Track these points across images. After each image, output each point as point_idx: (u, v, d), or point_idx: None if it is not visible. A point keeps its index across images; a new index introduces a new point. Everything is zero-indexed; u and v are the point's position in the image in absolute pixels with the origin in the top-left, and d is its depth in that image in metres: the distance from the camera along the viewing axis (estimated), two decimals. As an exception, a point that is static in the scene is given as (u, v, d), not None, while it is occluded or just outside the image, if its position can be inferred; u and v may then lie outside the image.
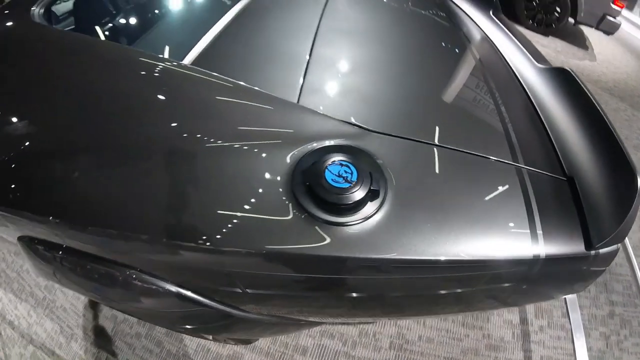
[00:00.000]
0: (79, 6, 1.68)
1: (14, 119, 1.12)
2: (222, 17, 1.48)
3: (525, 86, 1.38)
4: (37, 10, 1.48)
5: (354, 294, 0.89)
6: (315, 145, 0.91)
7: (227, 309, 0.97)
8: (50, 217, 0.93)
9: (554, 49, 4.93)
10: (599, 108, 1.13)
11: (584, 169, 1.01)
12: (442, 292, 0.94)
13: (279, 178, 0.85)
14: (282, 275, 0.85)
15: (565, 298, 1.77)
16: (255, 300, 0.96)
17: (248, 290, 0.91)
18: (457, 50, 1.64)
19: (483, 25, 1.81)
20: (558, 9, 5.16)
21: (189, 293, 0.93)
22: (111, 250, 0.96)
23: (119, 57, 1.22)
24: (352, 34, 1.54)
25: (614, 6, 4.90)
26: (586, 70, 4.56)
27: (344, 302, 0.93)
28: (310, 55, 1.28)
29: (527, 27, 5.22)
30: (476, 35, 1.77)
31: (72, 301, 2.06)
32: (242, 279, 0.87)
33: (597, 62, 5.05)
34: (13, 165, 1.03)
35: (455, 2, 2.07)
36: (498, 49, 1.62)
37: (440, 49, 1.66)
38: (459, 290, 0.94)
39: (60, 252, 1.05)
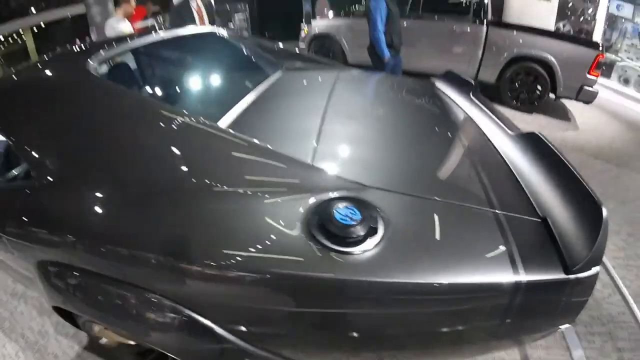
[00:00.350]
0: (124, 66, 1.89)
1: (62, 146, 1.38)
2: (247, 96, 1.84)
3: (499, 150, 1.57)
4: (92, 63, 1.73)
5: (355, 319, 1.02)
6: (327, 195, 1.10)
7: (250, 347, 1.09)
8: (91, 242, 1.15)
9: (538, 124, 5.29)
10: (562, 158, 1.29)
11: (555, 209, 1.14)
12: (433, 320, 1.04)
13: (298, 218, 1.03)
14: (298, 299, 1.00)
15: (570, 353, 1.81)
16: (271, 332, 1.10)
17: (265, 322, 1.06)
18: (441, 124, 1.93)
19: (463, 105, 2.08)
20: (539, 87, 5.62)
21: (209, 323, 1.07)
22: (136, 274, 1.13)
23: (166, 116, 1.43)
24: (352, 115, 1.88)
25: (589, 76, 5.29)
26: (571, 140, 4.89)
27: (346, 329, 1.05)
28: (320, 130, 1.56)
29: (512, 107, 5.65)
30: (458, 113, 2.04)
31: (65, 349, 2.03)
32: (265, 305, 1.02)
33: (580, 130, 5.38)
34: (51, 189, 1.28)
35: (440, 87, 2.40)
36: (476, 122, 1.86)
37: (427, 123, 1.96)
38: (448, 320, 1.04)
39: (83, 276, 1.23)
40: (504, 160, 1.50)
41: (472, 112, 1.98)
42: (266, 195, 1.11)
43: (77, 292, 1.29)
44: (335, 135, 1.62)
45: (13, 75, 1.85)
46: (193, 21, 4.72)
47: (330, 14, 8.12)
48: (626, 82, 8.54)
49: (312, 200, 1.07)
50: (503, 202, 1.21)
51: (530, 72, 5.67)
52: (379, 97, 2.38)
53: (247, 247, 1.00)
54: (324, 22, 7.74)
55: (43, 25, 37.76)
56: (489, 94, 2.23)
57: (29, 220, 1.39)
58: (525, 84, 5.74)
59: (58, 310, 1.47)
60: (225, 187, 1.13)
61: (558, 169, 1.28)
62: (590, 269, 1.00)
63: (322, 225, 0.99)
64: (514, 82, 5.80)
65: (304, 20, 5.61)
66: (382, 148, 1.61)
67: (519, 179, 1.35)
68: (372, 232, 0.99)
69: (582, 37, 7.55)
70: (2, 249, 1.67)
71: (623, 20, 8.69)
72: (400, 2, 6.83)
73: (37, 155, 1.41)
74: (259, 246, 1.00)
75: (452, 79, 2.42)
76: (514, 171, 1.41)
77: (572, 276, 0.99)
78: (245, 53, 2.66)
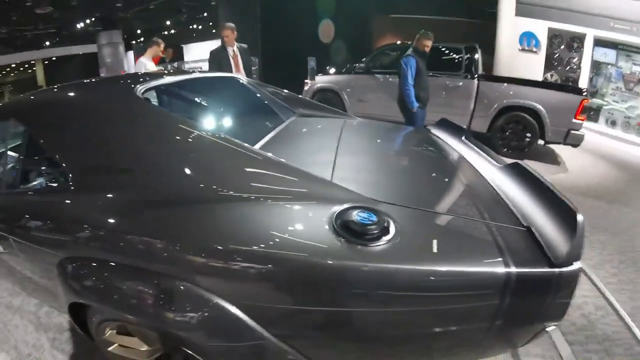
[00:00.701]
0: (162, 97, 2.08)
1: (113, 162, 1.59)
2: (267, 135, 2.12)
3: (487, 177, 1.79)
4: (140, 88, 1.95)
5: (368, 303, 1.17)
6: (348, 204, 1.29)
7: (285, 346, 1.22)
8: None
9: (529, 169, 5.62)
10: (541, 179, 1.48)
11: (537, 219, 1.30)
12: (436, 310, 1.18)
13: (327, 220, 1.23)
14: (325, 285, 1.15)
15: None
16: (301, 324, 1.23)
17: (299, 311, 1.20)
18: (437, 158, 2.23)
19: (455, 145, 2.33)
20: (528, 134, 5.94)
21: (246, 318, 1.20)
22: (166, 264, 1.27)
23: (207, 136, 1.66)
24: (361, 151, 2.21)
25: (576, 121, 5.62)
26: (560, 182, 5.08)
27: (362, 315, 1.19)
28: (334, 161, 1.81)
29: (504, 155, 5.90)
30: (450, 150, 2.29)
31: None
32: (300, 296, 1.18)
33: (570, 172, 5.67)
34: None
35: (435, 132, 2.64)
36: (466, 158, 2.09)
37: (425, 158, 2.29)
38: (448, 310, 1.18)
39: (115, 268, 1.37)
40: (491, 185, 1.69)
41: (463, 150, 2.22)
42: (301, 203, 1.34)
43: (102, 284, 1.40)
44: (349, 165, 1.89)
45: (59, 91, 2.10)
46: (229, 67, 5.08)
47: (332, 70, 8.75)
48: (613, 124, 8.93)
49: (337, 207, 1.27)
50: (492, 216, 1.40)
51: (519, 121, 6.00)
52: (383, 138, 2.68)
53: (283, 241, 1.20)
54: (326, 78, 8.37)
55: (54, 59, 38.59)
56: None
57: (61, 221, 1.57)
58: (515, 132, 6.05)
59: (72, 312, 1.58)
60: (267, 196, 1.36)
61: (538, 187, 1.46)
62: (571, 264, 1.13)
63: (346, 225, 1.19)
64: (505, 131, 6.13)
65: (308, 75, 6.14)
66: (389, 175, 1.91)
67: (505, 198, 1.54)
68: (385, 231, 1.19)
69: (567, 85, 8.16)
70: (12, 253, 1.86)
71: (609, 66, 9.11)
72: (397, 60, 7.43)
73: (85, 163, 1.64)
74: (294, 239, 1.21)
75: (446, 125, 2.67)
76: (499, 192, 1.60)
77: (556, 269, 1.12)
78: (262, 97, 2.90)
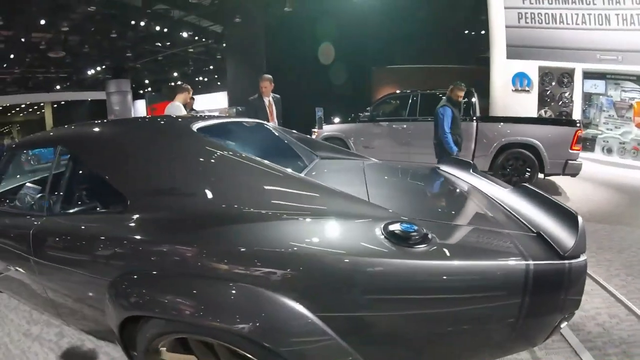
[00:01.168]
0: (210, 132, 2.23)
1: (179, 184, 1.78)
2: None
3: (497, 198, 1.98)
4: (194, 126, 2.15)
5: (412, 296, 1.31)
6: (394, 219, 1.46)
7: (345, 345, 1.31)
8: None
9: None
10: (545, 195, 1.70)
11: (545, 226, 1.49)
12: (469, 303, 1.31)
13: (378, 230, 1.40)
14: (380, 281, 1.29)
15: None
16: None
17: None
18: (450, 187, 2.46)
19: (465, 177, 2.53)
20: (528, 169, 6.21)
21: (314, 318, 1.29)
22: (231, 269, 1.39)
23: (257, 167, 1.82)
24: (387, 183, 2.50)
25: (572, 151, 5.91)
26: None
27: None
28: (367, 191, 2.01)
29: None
30: (460, 181, 2.49)
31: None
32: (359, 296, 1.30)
33: (571, 200, 5.87)
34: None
35: (443, 168, 2.84)
36: (476, 186, 2.30)
37: (441, 185, 2.54)
38: (477, 303, 1.32)
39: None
40: (502, 204, 1.89)
41: (473, 180, 2.42)
42: (357, 220, 1.53)
43: (169, 295, 1.48)
44: (380, 193, 2.12)
45: (120, 124, 2.35)
46: (265, 116, 5.30)
47: (336, 119, 9.38)
48: (609, 151, 9.28)
49: (384, 221, 1.45)
50: (506, 226, 1.59)
51: (519, 157, 6.29)
52: (403, 172, 2.93)
53: (347, 247, 1.39)
54: (332, 127, 8.93)
55: (63, 103, 38.67)
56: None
57: (119, 238, 1.69)
58: (516, 168, 6.34)
59: (122, 329, 1.63)
60: (328, 214, 1.57)
61: (542, 201, 1.68)
62: (579, 257, 1.31)
63: (393, 232, 1.38)
64: (506, 167, 6.41)
65: (316, 124, 6.60)
66: (416, 200, 2.21)
67: (515, 213, 1.73)
68: (425, 237, 1.36)
69: (561, 119, 8.55)
70: (44, 275, 2.00)
71: (599, 97, 9.51)
72: (399, 108, 7.98)
73: (150, 187, 1.82)
74: (355, 245, 1.39)
75: (453, 161, 2.90)
76: (510, 209, 1.80)
77: (566, 262, 1.30)
78: (288, 142, 3.08)
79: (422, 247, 1.33)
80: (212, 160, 1.91)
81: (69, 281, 1.94)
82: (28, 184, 2.66)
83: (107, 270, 1.68)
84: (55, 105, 38.35)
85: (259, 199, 1.69)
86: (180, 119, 2.68)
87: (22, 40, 17.73)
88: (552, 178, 6.67)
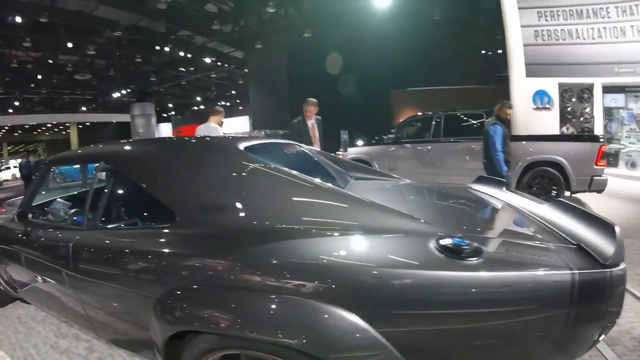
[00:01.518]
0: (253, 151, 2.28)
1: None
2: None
3: (533, 214, 2.01)
4: (242, 145, 2.25)
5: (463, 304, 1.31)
6: (443, 234, 1.50)
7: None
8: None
9: (558, 220, 5.83)
10: (578, 207, 1.75)
11: (584, 237, 1.52)
12: (518, 314, 1.32)
13: (432, 244, 1.43)
14: (435, 291, 1.30)
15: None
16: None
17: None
18: (489, 204, 2.43)
19: (500, 195, 2.55)
20: (554, 187, 6.22)
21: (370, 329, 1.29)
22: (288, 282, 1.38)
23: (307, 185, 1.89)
24: (424, 201, 2.51)
25: (597, 167, 5.89)
26: None
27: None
28: (410, 209, 1.99)
29: None
30: (496, 199, 2.47)
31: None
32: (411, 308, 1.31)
33: None
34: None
35: (474, 187, 2.83)
36: (513, 202, 2.31)
37: (479, 203, 2.49)
38: (525, 311, 1.32)
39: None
40: (540, 218, 1.92)
41: (508, 197, 2.44)
42: (410, 236, 1.57)
43: (218, 310, 1.47)
44: (421, 211, 2.13)
45: (168, 142, 2.48)
46: (308, 139, 5.42)
47: (360, 142, 9.64)
48: (633, 165, 9.29)
49: (436, 236, 1.49)
50: (547, 240, 1.61)
51: (544, 175, 6.30)
52: (438, 191, 2.86)
53: (401, 260, 1.42)
54: (357, 149, 9.18)
55: (88, 124, 39.08)
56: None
57: (170, 254, 1.70)
58: (542, 186, 6.33)
59: (168, 345, 1.61)
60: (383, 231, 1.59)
61: (578, 214, 1.71)
62: (619, 265, 1.35)
63: (446, 246, 1.41)
64: (532, 186, 6.39)
65: (341, 147, 6.80)
66: (459, 217, 2.19)
67: (553, 227, 1.76)
68: (477, 251, 1.39)
69: (584, 135, 8.44)
70: (79, 289, 2.02)
71: (620, 111, 9.54)
72: (423, 129, 8.10)
73: (196, 203, 1.84)
74: (412, 258, 1.41)
75: (485, 180, 2.90)
76: (548, 223, 1.82)
77: (607, 270, 1.33)
78: (323, 164, 3.07)
79: (475, 260, 1.35)
80: (264, 178, 1.95)
81: (109, 296, 1.94)
82: (64, 198, 2.75)
83: (153, 285, 1.69)
84: (81, 126, 39.66)
85: (313, 215, 1.73)
86: (226, 139, 2.76)
87: (50, 62, 18.51)
88: (578, 195, 6.64)
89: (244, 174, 1.98)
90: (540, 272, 1.35)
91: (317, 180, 1.96)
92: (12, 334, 2.97)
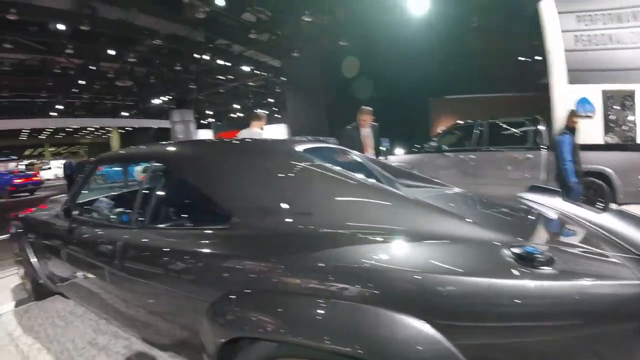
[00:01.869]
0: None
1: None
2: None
3: (593, 224, 1.93)
4: (300, 147, 2.23)
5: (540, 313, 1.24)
6: (515, 242, 1.46)
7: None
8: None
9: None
10: (638, 216, 1.76)
11: None
12: (591, 325, 1.25)
13: (504, 251, 1.38)
14: (510, 298, 1.24)
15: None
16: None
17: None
18: (547, 214, 2.29)
19: (557, 204, 2.45)
20: (601, 199, 6.12)
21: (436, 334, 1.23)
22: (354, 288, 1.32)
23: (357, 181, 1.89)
24: (481, 209, 2.42)
25: None
26: None
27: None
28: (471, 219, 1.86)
29: None
30: (554, 209, 2.36)
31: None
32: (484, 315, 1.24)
33: None
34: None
35: (526, 197, 2.69)
36: (571, 212, 2.24)
37: (537, 213, 2.29)
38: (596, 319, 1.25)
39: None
40: (600, 228, 1.86)
41: (566, 207, 2.33)
42: (481, 245, 1.50)
43: (282, 316, 1.42)
44: (481, 219, 2.00)
45: (225, 144, 2.48)
46: (360, 146, 5.40)
47: (401, 150, 9.79)
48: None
49: (508, 244, 1.44)
50: (613, 250, 1.56)
51: (590, 186, 6.13)
52: (492, 202, 2.67)
53: (476, 268, 1.36)
54: (398, 157, 9.36)
55: (128, 129, 40.26)
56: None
57: (227, 256, 1.66)
58: (588, 197, 6.14)
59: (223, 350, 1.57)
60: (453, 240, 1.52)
61: (638, 224, 1.69)
62: None
63: (520, 255, 1.34)
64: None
65: (382, 155, 6.84)
66: (517, 228, 1.99)
67: (615, 237, 1.70)
68: (550, 260, 1.33)
69: (629, 144, 8.15)
70: (128, 289, 2.00)
71: None
72: (464, 138, 8.15)
73: (254, 205, 1.79)
74: (485, 266, 1.37)
75: (539, 189, 2.75)
76: (609, 233, 1.76)
77: None
78: (372, 170, 3.05)
79: (548, 269, 1.30)
80: (326, 181, 1.91)
81: (156, 295, 1.93)
82: (112, 197, 2.77)
83: (206, 288, 1.66)
84: (122, 131, 41.21)
85: (379, 221, 1.66)
86: (284, 141, 2.88)
87: (91, 68, 19.16)
88: (626, 207, 6.40)
89: (303, 176, 1.96)
90: (613, 283, 1.30)
91: (386, 185, 1.96)
92: (50, 327, 3.02)
